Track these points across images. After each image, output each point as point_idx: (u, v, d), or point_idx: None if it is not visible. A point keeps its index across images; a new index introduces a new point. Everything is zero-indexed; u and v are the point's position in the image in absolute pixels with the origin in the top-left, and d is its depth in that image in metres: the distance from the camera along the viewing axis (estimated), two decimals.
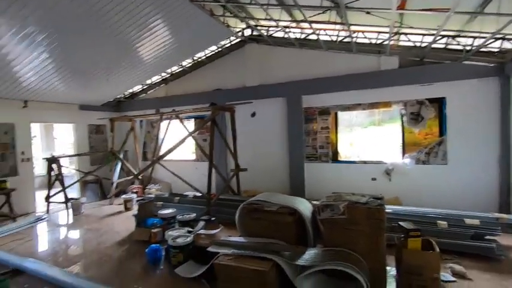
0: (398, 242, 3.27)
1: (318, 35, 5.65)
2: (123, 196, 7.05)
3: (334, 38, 6.01)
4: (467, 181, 5.35)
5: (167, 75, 8.43)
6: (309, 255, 3.09)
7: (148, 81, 8.56)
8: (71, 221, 6.26)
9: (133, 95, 9.22)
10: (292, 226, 3.48)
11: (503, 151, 5.08)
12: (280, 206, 3.54)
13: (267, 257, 3.04)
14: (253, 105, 6.92)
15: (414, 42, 5.46)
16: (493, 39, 4.65)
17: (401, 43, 5.69)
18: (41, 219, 6.16)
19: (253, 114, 7.30)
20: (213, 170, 5.87)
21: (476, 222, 4.00)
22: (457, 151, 5.45)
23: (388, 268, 3.27)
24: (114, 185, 7.68)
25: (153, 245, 4.04)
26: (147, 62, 6.63)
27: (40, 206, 7.11)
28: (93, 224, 5.90)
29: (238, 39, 7.24)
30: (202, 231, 4.06)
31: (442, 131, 5.61)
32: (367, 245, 3.15)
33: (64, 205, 6.82)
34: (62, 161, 7.07)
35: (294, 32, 6.28)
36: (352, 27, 5.10)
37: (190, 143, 8.08)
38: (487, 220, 4.04)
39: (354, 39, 5.70)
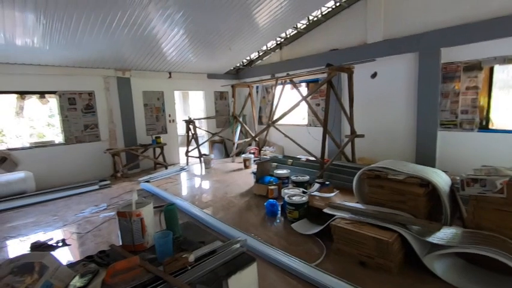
0: None
1: None
2: (243, 155, 7.87)
3: None
4: None
5: (281, 40, 8.43)
6: (445, 234, 2.67)
7: (264, 48, 8.81)
8: (203, 172, 7.51)
9: (251, 62, 9.75)
10: (423, 199, 3.05)
11: None
12: (408, 176, 3.13)
13: (390, 228, 2.80)
14: (374, 64, 6.16)
15: None
16: None
17: None
18: (183, 169, 7.66)
19: (373, 75, 6.52)
20: (327, 135, 5.70)
21: None
22: None
23: None
24: (235, 145, 8.64)
25: (271, 200, 4.39)
26: (263, 27, 6.76)
27: (182, 159, 8.79)
28: (220, 176, 6.90)
29: None
30: (316, 193, 4.10)
31: None
32: None
33: (198, 159, 8.23)
34: (196, 123, 8.40)
35: None
36: None
37: (302, 109, 8.06)
38: None
39: None
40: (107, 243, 3.50)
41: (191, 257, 1.38)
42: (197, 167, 7.99)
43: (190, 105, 12.50)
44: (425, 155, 5.68)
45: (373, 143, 6.43)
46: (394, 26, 6.06)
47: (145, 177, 6.68)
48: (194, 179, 6.94)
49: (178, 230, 1.76)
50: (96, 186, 6.23)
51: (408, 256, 2.79)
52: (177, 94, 11.70)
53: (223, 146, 9.52)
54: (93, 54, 6.26)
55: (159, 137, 7.87)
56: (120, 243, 1.75)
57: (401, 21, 5.96)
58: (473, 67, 5.13)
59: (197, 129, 8.42)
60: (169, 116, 8.53)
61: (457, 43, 5.17)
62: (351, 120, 6.02)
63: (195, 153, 8.29)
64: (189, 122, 8.21)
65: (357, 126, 6.08)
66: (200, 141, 8.57)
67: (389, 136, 6.33)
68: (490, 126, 5.20)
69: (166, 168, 7.82)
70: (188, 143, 8.36)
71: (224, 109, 9.98)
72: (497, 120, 5.23)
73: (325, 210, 3.43)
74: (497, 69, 5.13)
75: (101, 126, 7.15)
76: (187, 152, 8.37)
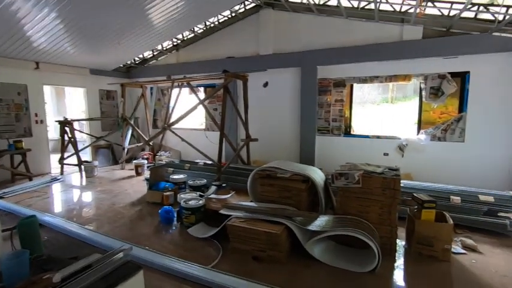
0: (411, 213, 3.26)
1: None
2: (134, 161, 7.15)
3: (356, 4, 5.69)
4: (486, 159, 5.21)
5: (178, 42, 8.19)
6: (321, 221, 3.12)
7: (159, 47, 8.35)
8: (84, 182, 6.43)
9: (144, 61, 9.05)
10: (305, 193, 3.49)
11: None
12: (293, 173, 3.53)
13: (279, 221, 3.08)
14: (266, 75, 6.74)
15: (441, 9, 5.11)
16: None
17: (427, 11, 5.33)
18: (56, 180, 6.34)
19: (265, 84, 7.12)
20: (224, 139, 5.85)
21: (490, 199, 3.94)
22: (476, 128, 5.27)
23: (397, 240, 3.29)
24: (125, 150, 7.78)
25: (166, 206, 4.14)
26: (158, 26, 6.40)
27: (55, 168, 7.28)
28: (106, 186, 6.05)
29: (253, 4, 6.90)
30: (213, 196, 4.11)
31: (462, 107, 5.40)
32: (380, 214, 3.16)
33: (77, 167, 6.99)
34: (75, 125, 7.14)
35: None
36: None
37: (200, 113, 8.03)
38: (501, 197, 3.97)
39: (378, 6, 5.37)
40: None
41: (56, 277, 1.12)
42: (76, 177, 6.78)
43: (68, 104, 10.61)
44: (307, 156, 6.57)
45: (266, 146, 6.99)
46: (282, 42, 6.82)
47: None
48: (71, 191, 5.84)
49: (40, 247, 1.42)
50: None
51: (294, 245, 3.12)
52: (48, 90, 9.75)
53: (110, 152, 8.42)
54: None
55: (20, 141, 6.27)
56: None
57: (288, 39, 6.76)
58: (340, 84, 6.30)
59: (76, 132, 7.16)
60: (36, 115, 6.95)
61: (327, 63, 6.25)
62: (246, 125, 6.37)
63: (73, 160, 7.01)
64: (65, 123, 6.91)
65: (252, 131, 6.49)
66: (81, 147, 7.32)
67: (279, 139, 7.02)
68: (352, 132, 6.49)
69: (30, 179, 6.30)
70: (63, 149, 7.00)
71: (112, 110, 8.87)
72: (356, 128, 6.58)
73: (222, 211, 3.48)
74: (356, 87, 6.47)
75: None
76: (61, 159, 6.98)
